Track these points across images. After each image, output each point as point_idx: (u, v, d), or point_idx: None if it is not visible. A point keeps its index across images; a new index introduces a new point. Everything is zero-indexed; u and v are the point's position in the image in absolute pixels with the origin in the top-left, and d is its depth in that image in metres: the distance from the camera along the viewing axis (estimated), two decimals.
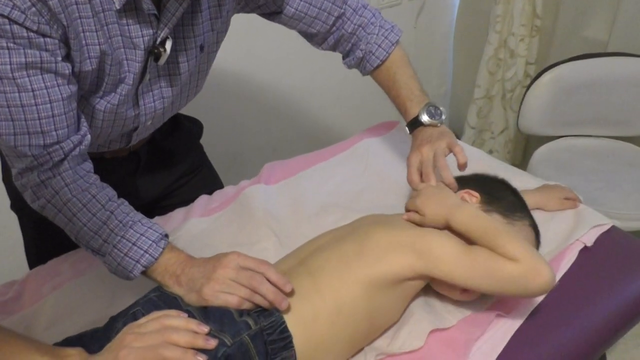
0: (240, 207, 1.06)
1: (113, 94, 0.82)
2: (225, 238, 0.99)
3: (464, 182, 0.93)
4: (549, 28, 1.89)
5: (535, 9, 1.85)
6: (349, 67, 1.10)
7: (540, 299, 0.84)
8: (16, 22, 0.67)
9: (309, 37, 1.06)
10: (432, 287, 0.84)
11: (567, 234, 0.96)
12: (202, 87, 0.99)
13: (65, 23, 0.71)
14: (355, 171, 1.16)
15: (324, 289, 0.76)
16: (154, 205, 1.11)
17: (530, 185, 1.06)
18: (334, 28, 1.03)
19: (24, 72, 0.70)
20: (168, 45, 0.81)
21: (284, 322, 0.71)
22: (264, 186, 1.11)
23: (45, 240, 1.06)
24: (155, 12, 0.77)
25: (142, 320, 0.69)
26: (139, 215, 0.81)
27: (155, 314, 0.69)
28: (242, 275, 0.73)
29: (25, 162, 0.76)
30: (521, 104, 1.62)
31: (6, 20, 0.66)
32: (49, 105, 0.73)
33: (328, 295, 0.75)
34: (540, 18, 1.86)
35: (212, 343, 0.66)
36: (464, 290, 0.80)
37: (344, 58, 1.10)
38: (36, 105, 0.72)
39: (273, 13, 0.99)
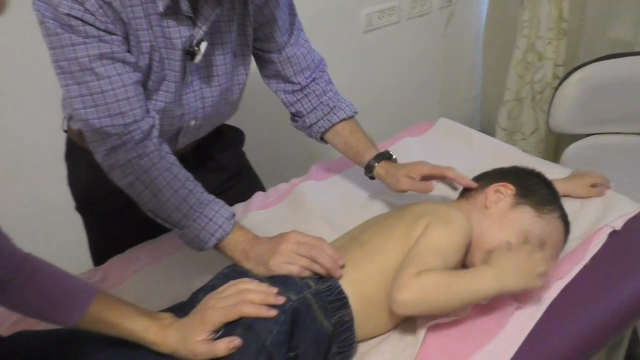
0: (294, 201, 1.17)
1: (159, 91, 0.92)
2: (282, 227, 1.08)
3: (500, 175, 1.01)
4: (575, 30, 1.96)
5: (561, 12, 1.93)
6: (305, 125, 1.15)
7: (570, 277, 0.93)
8: (88, 23, 0.79)
9: (285, 80, 1.12)
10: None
11: (597, 219, 1.04)
12: (241, 99, 1.10)
13: (125, 21, 0.83)
14: None
15: (372, 255, 0.88)
16: None
17: (561, 177, 1.14)
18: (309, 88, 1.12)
19: (99, 62, 0.82)
20: (203, 46, 0.91)
21: (339, 286, 0.83)
22: (314, 182, 1.23)
23: (107, 237, 1.18)
24: (192, 15, 0.89)
25: (221, 288, 0.81)
26: (211, 195, 0.93)
27: (232, 282, 0.81)
28: (302, 248, 0.85)
29: (110, 142, 0.87)
30: (550, 104, 1.70)
31: (79, 22, 0.79)
32: (123, 89, 0.84)
33: (375, 259, 0.86)
34: (566, 21, 1.93)
35: (281, 299, 0.77)
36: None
37: (299, 116, 1.15)
38: (113, 89, 0.84)
39: (268, 51, 1.07)
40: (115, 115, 0.85)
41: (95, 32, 0.80)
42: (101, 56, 0.82)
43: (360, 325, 0.84)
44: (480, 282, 0.82)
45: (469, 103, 2.54)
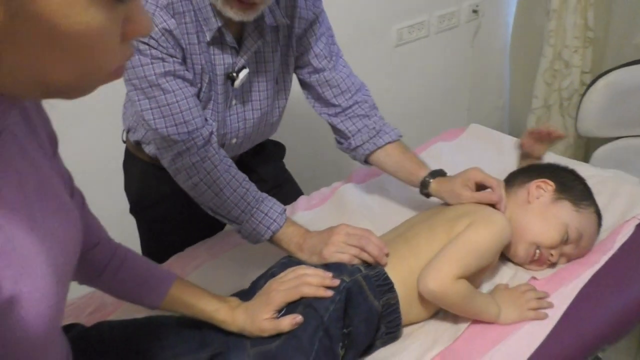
0: (337, 202, 1.27)
1: (205, 110, 1.03)
2: (328, 225, 1.19)
3: (539, 172, 1.08)
4: (601, 38, 2.03)
5: (587, 21, 2.00)
6: (350, 147, 1.18)
7: (599, 265, 1.00)
8: (153, 47, 0.92)
9: (327, 102, 1.17)
10: None
11: (624, 211, 1.11)
12: (282, 118, 1.18)
13: (183, 47, 0.95)
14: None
15: (416, 250, 0.96)
16: None
17: (590, 174, 1.21)
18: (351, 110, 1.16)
19: (164, 79, 0.94)
20: (243, 72, 1.02)
21: (385, 273, 0.92)
22: (355, 184, 1.32)
23: (157, 238, 1.29)
24: (236, 45, 1.00)
25: (282, 274, 0.91)
26: (265, 194, 1.04)
27: (291, 269, 0.91)
28: (351, 239, 0.95)
29: (176, 148, 0.98)
30: (578, 109, 1.77)
31: (147, 46, 0.91)
32: (185, 101, 0.96)
33: (420, 255, 0.95)
34: (592, 30, 2.00)
35: (336, 281, 0.87)
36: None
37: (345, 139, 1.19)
38: (177, 102, 0.95)
39: (308, 76, 1.15)
40: (180, 124, 0.96)
41: (159, 54, 0.93)
42: (165, 74, 0.94)
43: (405, 310, 0.93)
44: (487, 309, 0.91)
45: (498, 111, 2.61)
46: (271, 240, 1.03)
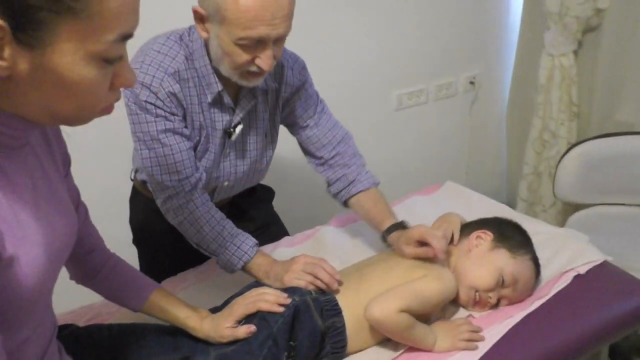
0: (316, 241, 1.43)
1: (202, 159, 1.21)
2: None
3: (484, 224, 1.23)
4: (585, 113, 2.18)
5: (571, 97, 2.17)
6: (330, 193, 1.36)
7: (532, 308, 1.12)
8: (158, 107, 1.11)
9: (311, 154, 1.35)
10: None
11: (565, 264, 1.23)
12: (269, 166, 1.36)
13: (184, 107, 1.14)
14: (402, 218, 1.49)
15: (369, 286, 1.10)
16: None
17: (541, 230, 1.35)
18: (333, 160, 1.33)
19: (164, 135, 1.12)
20: (238, 128, 1.20)
21: (335, 300, 1.06)
22: (335, 227, 1.48)
23: (157, 267, 1.42)
24: (232, 105, 1.19)
25: (247, 292, 1.06)
26: (240, 230, 1.20)
27: (254, 289, 1.07)
28: (307, 267, 1.11)
29: (167, 192, 1.16)
30: (554, 175, 1.91)
31: (152, 106, 1.10)
32: (179, 154, 1.14)
33: (372, 289, 1.08)
34: (576, 105, 2.16)
35: (288, 300, 1.02)
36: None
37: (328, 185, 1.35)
38: (173, 154, 1.13)
39: (300, 127, 1.32)
40: (172, 172, 1.15)
41: (163, 113, 1.12)
42: (166, 130, 1.13)
43: (352, 334, 1.06)
44: (425, 338, 1.05)
45: (496, 177, 2.74)
46: (243, 269, 1.19)
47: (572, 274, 1.21)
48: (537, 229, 1.32)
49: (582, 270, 1.21)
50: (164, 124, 1.12)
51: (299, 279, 1.10)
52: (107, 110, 0.66)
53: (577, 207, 2.27)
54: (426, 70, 2.29)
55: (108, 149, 1.72)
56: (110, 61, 0.60)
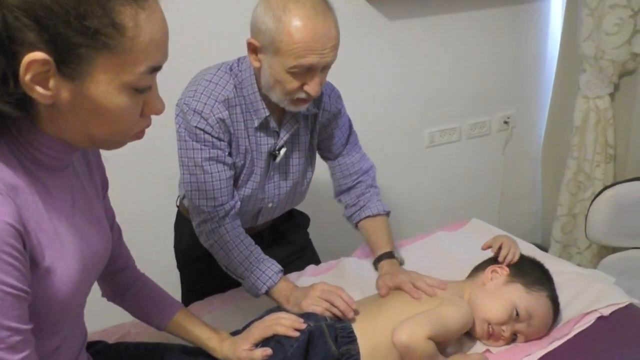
0: (339, 271, 1.46)
1: (248, 182, 1.28)
2: None
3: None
4: (622, 155, 2.15)
5: (606, 139, 2.15)
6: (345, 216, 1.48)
7: (551, 347, 1.11)
8: (207, 133, 1.18)
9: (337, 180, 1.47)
10: None
11: (588, 305, 1.21)
12: (308, 191, 1.45)
13: (231, 132, 1.22)
14: (427, 252, 1.51)
15: (386, 316, 1.12)
16: None
17: (565, 269, 1.33)
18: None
19: (207, 163, 1.20)
20: (282, 151, 1.29)
21: (351, 327, 1.08)
22: (357, 259, 1.51)
23: (199, 291, 1.48)
24: (277, 129, 1.26)
25: (264, 317, 1.10)
26: (266, 256, 1.26)
27: (273, 313, 1.10)
28: (324, 294, 1.14)
29: (202, 216, 1.24)
30: (587, 217, 1.88)
31: (202, 132, 1.18)
32: (219, 182, 1.22)
33: (390, 319, 1.10)
34: (612, 147, 2.14)
35: (303, 325, 1.05)
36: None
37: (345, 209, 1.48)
38: (212, 182, 1.21)
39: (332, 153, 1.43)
40: (210, 198, 1.23)
41: (210, 139, 1.19)
42: (210, 158, 1.21)
43: None
44: None
45: (530, 217, 2.71)
46: (267, 293, 1.24)
47: (595, 315, 1.19)
48: (561, 269, 1.31)
49: (606, 312, 1.19)
50: (209, 152, 1.19)
51: (315, 305, 1.13)
52: (139, 135, 0.73)
53: (614, 250, 2.22)
54: (460, 109, 2.32)
55: (154, 177, 1.82)
56: (141, 90, 0.67)
